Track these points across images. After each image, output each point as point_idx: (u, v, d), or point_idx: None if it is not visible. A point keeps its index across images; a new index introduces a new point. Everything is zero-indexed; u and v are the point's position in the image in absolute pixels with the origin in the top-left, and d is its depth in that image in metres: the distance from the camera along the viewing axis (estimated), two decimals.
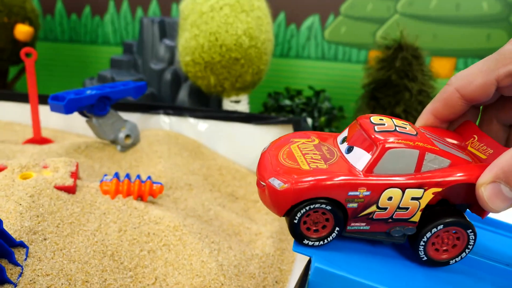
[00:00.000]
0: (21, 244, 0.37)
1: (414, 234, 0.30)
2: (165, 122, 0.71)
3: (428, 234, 0.29)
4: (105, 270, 0.40)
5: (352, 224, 0.29)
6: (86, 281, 0.38)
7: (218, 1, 0.62)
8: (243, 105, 0.71)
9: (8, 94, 0.78)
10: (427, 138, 0.29)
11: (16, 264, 0.35)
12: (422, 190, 0.28)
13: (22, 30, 0.78)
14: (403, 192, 0.28)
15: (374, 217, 0.29)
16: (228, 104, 0.72)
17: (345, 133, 0.32)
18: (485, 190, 0.26)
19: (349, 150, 0.30)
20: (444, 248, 0.30)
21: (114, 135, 0.60)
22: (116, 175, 0.49)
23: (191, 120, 0.70)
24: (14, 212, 0.41)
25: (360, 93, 0.81)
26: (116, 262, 0.42)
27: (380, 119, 0.30)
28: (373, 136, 0.28)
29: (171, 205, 0.53)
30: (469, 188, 0.28)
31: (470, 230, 0.29)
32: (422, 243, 0.29)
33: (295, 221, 0.28)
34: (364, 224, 0.29)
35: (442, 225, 0.29)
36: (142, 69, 0.80)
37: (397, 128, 0.29)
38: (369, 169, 0.28)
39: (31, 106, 0.65)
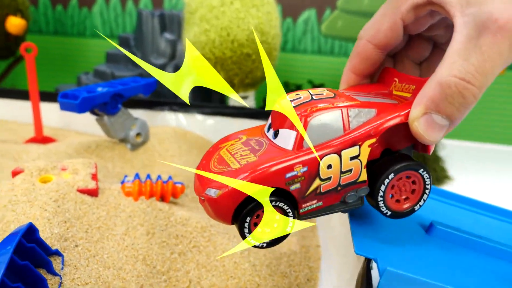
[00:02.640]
0: (57, 253, 0.36)
1: (369, 193, 0.29)
2: (171, 118, 0.70)
3: (383, 187, 0.28)
4: (140, 276, 0.39)
5: (303, 205, 0.28)
6: None
7: None
8: (250, 101, 0.71)
9: (1, 91, 0.74)
10: (346, 96, 0.29)
11: (54, 273, 0.34)
12: (357, 147, 0.27)
13: (14, 23, 0.74)
14: (340, 156, 0.27)
15: (322, 190, 0.28)
16: (234, 100, 0.71)
17: (269, 120, 0.31)
18: (419, 124, 0.26)
19: (276, 134, 0.29)
20: (404, 196, 0.29)
21: (124, 133, 0.58)
22: (137, 176, 0.48)
23: (198, 116, 0.69)
24: (41, 218, 0.39)
25: None
26: (149, 267, 0.41)
27: (296, 94, 0.29)
28: (292, 112, 0.28)
29: (192, 204, 0.52)
30: (405, 128, 0.28)
31: (422, 170, 0.28)
32: (380, 198, 0.29)
33: (246, 231, 0.28)
34: (315, 201, 0.28)
35: (392, 174, 0.28)
36: None
37: (313, 97, 0.28)
38: (299, 145, 0.27)
39: (32, 104, 0.62)
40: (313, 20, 0.96)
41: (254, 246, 0.28)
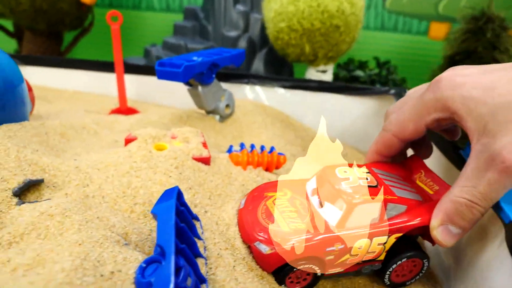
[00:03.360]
0: (196, 218, 0.36)
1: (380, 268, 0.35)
2: (249, 92, 0.69)
3: (394, 266, 0.35)
4: None
5: (329, 270, 0.33)
6: None
7: None
8: (328, 75, 0.69)
9: (75, 61, 0.74)
10: (386, 186, 0.33)
11: (198, 237, 0.34)
12: (386, 237, 0.32)
13: None
14: (371, 241, 0.32)
15: (347, 262, 0.33)
16: (312, 74, 0.70)
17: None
18: (437, 233, 0.32)
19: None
20: (403, 274, 0.36)
21: (215, 104, 0.57)
22: (243, 146, 0.48)
23: (277, 90, 0.68)
24: (168, 184, 0.39)
25: (423, 65, 0.80)
26: None
27: (345, 171, 0.34)
28: (341, 193, 0.32)
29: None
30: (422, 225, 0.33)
31: (426, 259, 0.35)
32: (388, 273, 0.35)
33: (283, 286, 0.33)
34: (339, 268, 0.33)
35: (405, 258, 0.34)
36: (213, 36, 0.77)
37: (360, 182, 0.33)
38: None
39: (117, 75, 0.62)
40: None
41: None
